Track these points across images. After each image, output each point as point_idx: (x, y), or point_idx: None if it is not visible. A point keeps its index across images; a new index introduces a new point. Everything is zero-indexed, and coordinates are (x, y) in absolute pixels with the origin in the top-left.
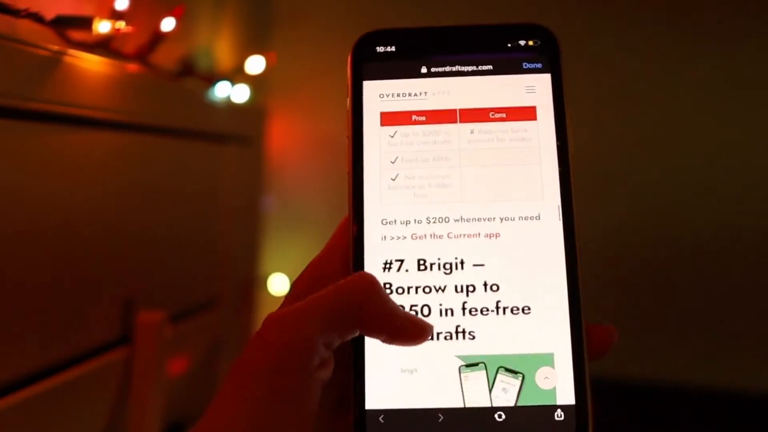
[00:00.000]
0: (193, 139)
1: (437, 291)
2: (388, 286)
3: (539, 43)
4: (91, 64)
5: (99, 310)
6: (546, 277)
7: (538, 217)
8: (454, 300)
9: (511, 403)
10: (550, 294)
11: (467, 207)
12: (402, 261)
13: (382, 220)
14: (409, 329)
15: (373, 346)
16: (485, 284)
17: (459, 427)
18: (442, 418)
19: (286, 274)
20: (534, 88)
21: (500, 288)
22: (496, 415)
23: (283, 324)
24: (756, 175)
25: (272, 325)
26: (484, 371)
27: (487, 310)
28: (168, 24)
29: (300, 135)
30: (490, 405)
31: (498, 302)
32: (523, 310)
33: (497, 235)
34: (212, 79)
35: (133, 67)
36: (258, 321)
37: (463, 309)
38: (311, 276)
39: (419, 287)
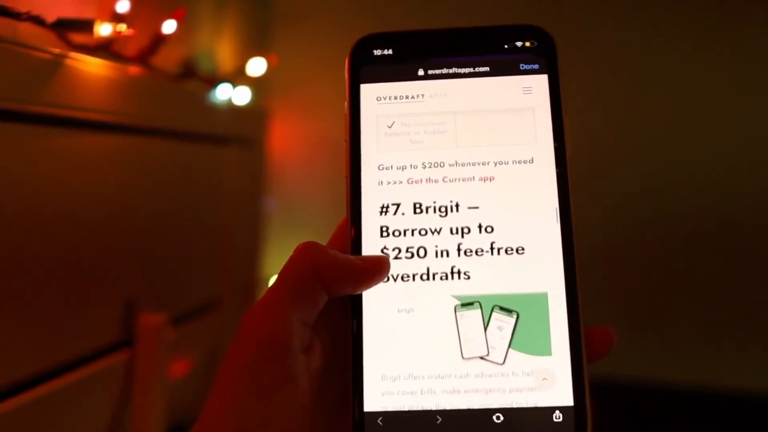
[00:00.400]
0: (195, 141)
1: (433, 233)
2: (384, 228)
3: (536, 44)
4: (93, 66)
5: (100, 313)
6: (539, 218)
7: (532, 161)
8: (449, 241)
9: (506, 341)
10: (544, 235)
11: (462, 152)
12: (398, 204)
13: (379, 166)
14: (368, 268)
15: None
16: (480, 226)
17: (457, 428)
18: (440, 419)
19: None
20: (531, 90)
21: (495, 229)
22: (494, 417)
23: (257, 315)
24: (757, 172)
25: (247, 319)
26: (479, 310)
27: (482, 251)
28: (169, 26)
29: (301, 137)
30: (485, 341)
31: (492, 243)
32: (517, 250)
33: (491, 179)
34: (213, 82)
35: (134, 69)
36: None
37: (459, 250)
38: None
39: (415, 229)
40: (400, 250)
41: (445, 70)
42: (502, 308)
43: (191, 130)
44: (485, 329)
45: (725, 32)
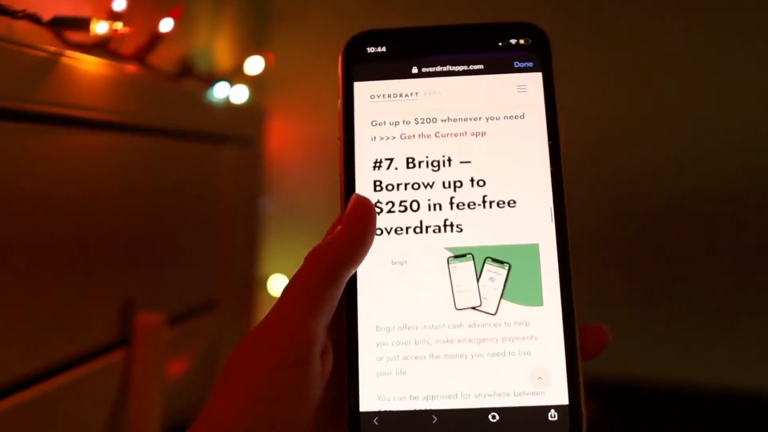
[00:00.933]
0: (192, 140)
1: (425, 187)
2: (378, 183)
3: (530, 41)
4: (89, 65)
5: (97, 312)
6: (530, 172)
7: (523, 117)
8: (442, 195)
9: (498, 292)
10: (535, 188)
11: (454, 108)
12: (391, 159)
13: (372, 122)
14: (357, 223)
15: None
16: (472, 180)
17: (453, 427)
18: (436, 419)
19: (286, 275)
20: (525, 87)
21: (486, 183)
22: (489, 416)
23: (279, 320)
24: (755, 169)
25: (267, 324)
26: (472, 262)
27: (474, 204)
28: (166, 25)
29: (299, 135)
30: (477, 292)
31: (484, 197)
32: (508, 203)
33: (483, 134)
34: (211, 80)
35: (131, 68)
36: (257, 322)
37: (451, 203)
38: None
39: (408, 183)
40: (393, 204)
41: (439, 68)
42: (494, 260)
43: (188, 129)
44: (478, 280)
45: (722, 27)
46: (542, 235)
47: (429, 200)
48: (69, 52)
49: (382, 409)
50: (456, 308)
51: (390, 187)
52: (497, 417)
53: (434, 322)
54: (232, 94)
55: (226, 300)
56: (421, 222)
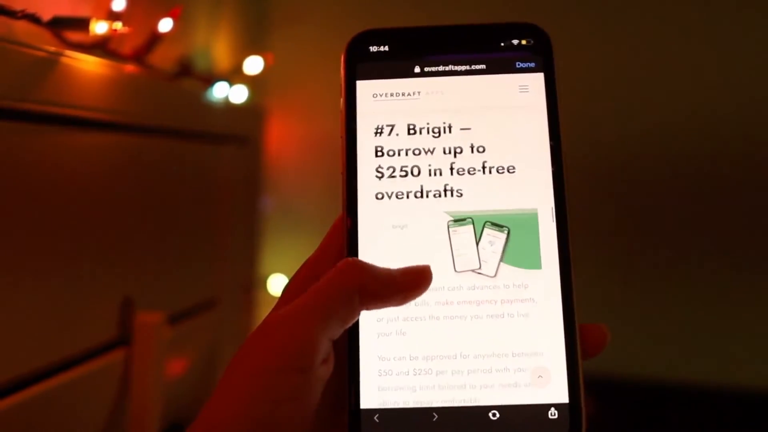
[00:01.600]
0: (191, 139)
1: (426, 153)
2: (379, 148)
3: (532, 42)
4: (89, 65)
5: (97, 311)
6: (530, 139)
7: (527, 89)
8: (442, 161)
9: (498, 255)
10: (534, 155)
11: (456, 81)
12: (393, 126)
13: (373, 95)
14: (411, 282)
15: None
16: (472, 146)
17: (453, 425)
18: (436, 417)
19: (286, 275)
20: (527, 88)
21: (486, 150)
22: (490, 414)
23: (285, 324)
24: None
25: (273, 325)
26: (472, 226)
27: (474, 170)
28: (165, 25)
29: (298, 135)
30: (477, 255)
31: (484, 163)
32: (508, 169)
33: (484, 107)
34: (210, 80)
35: (130, 68)
36: (257, 322)
37: (451, 169)
38: (305, 276)
39: (409, 149)
40: (394, 169)
41: (441, 68)
42: (493, 224)
43: (188, 129)
44: (477, 244)
45: (721, 28)
46: (541, 201)
47: (429, 166)
48: (68, 52)
49: (383, 407)
50: (456, 271)
51: (391, 153)
52: (497, 414)
53: (434, 284)
54: (231, 93)
55: (226, 299)
56: (421, 187)
